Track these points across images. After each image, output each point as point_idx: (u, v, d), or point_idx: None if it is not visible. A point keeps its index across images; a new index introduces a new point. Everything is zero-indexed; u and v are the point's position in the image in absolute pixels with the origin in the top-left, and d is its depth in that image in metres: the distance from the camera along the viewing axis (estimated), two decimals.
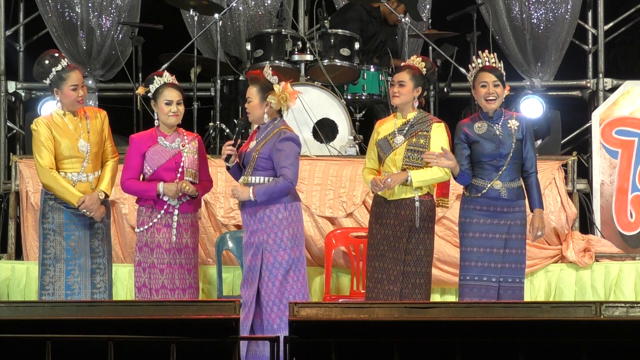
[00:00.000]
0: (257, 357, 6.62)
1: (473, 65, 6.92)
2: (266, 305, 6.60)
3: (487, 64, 6.89)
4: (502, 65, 6.92)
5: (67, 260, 6.77)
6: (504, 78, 6.89)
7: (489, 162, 6.83)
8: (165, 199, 6.82)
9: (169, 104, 6.86)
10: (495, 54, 6.95)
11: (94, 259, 6.82)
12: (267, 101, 6.70)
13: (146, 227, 6.85)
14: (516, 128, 6.85)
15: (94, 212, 6.76)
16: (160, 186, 6.79)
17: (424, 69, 6.93)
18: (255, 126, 6.91)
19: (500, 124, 6.87)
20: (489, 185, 6.81)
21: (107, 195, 6.82)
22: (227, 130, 9.09)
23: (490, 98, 6.83)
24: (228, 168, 6.84)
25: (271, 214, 6.64)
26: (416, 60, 6.97)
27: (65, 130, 6.78)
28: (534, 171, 6.89)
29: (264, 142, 6.70)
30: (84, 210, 6.73)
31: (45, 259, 6.79)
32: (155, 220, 6.84)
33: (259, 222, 6.66)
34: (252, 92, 6.74)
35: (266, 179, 6.67)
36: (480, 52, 6.93)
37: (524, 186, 6.90)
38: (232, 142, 6.78)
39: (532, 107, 9.43)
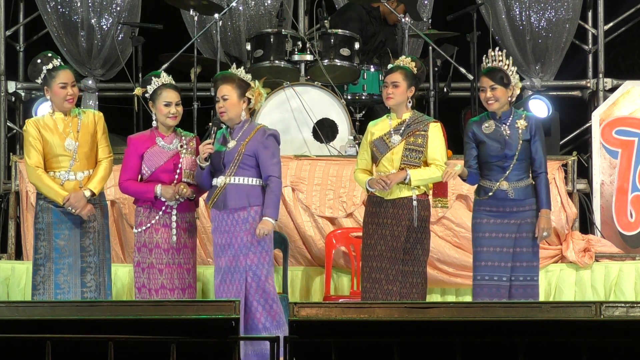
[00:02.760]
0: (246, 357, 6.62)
1: (482, 65, 6.93)
2: (250, 306, 6.59)
3: (490, 64, 6.88)
4: (509, 62, 6.89)
5: (56, 259, 6.78)
6: (510, 76, 6.85)
7: (496, 163, 6.83)
8: (163, 199, 6.82)
9: (168, 106, 6.86)
10: (504, 51, 6.94)
11: (84, 257, 6.82)
12: (245, 97, 6.73)
13: (144, 227, 6.85)
14: (524, 128, 6.83)
15: (79, 209, 6.76)
16: (158, 188, 6.79)
17: (415, 69, 6.95)
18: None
19: (507, 124, 6.86)
20: (496, 186, 6.82)
21: (93, 194, 6.80)
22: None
23: (489, 102, 6.84)
24: (201, 169, 6.80)
25: (256, 215, 6.64)
26: (406, 61, 6.99)
27: (54, 129, 6.81)
28: (542, 171, 6.85)
29: (247, 140, 6.71)
30: (70, 208, 6.75)
31: (37, 259, 6.83)
32: (153, 221, 6.84)
33: (243, 222, 6.65)
34: (228, 90, 6.74)
35: (249, 179, 6.68)
36: (489, 52, 6.92)
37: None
38: (210, 141, 6.78)
39: (537, 108, 9.43)
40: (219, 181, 6.74)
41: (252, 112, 6.93)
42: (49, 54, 6.88)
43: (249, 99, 6.76)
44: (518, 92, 6.94)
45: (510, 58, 6.92)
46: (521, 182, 6.83)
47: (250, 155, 6.68)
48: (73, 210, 6.76)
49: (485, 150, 6.86)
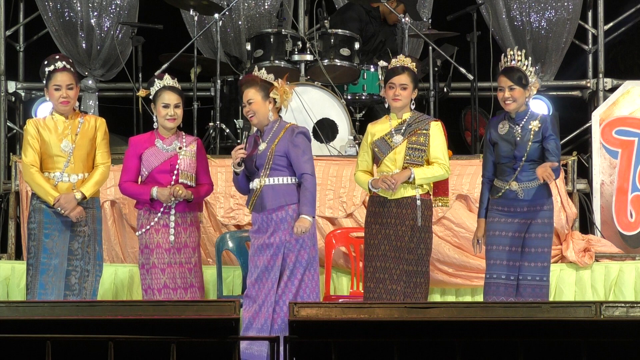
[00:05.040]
0: (253, 357, 6.61)
1: (500, 64, 6.90)
2: (283, 305, 6.60)
3: (509, 64, 6.84)
4: (528, 62, 6.87)
5: (43, 259, 6.79)
6: (529, 77, 6.81)
7: (507, 164, 6.83)
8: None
9: (166, 107, 6.87)
10: (523, 51, 6.91)
11: (71, 260, 6.82)
12: (270, 98, 6.72)
13: (144, 229, 6.86)
14: (536, 129, 6.80)
15: (69, 211, 6.77)
16: (154, 190, 6.80)
17: (415, 69, 6.96)
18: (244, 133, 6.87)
19: (521, 125, 6.84)
20: (506, 186, 6.82)
21: (84, 197, 6.80)
22: (227, 130, 9.09)
23: (506, 102, 6.82)
24: (236, 174, 6.81)
25: (294, 214, 6.65)
26: (406, 60, 6.98)
27: (54, 129, 6.85)
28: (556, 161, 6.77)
29: (277, 140, 6.70)
30: (59, 209, 6.76)
31: (29, 259, 6.86)
32: (152, 223, 6.85)
33: (281, 222, 6.66)
34: (252, 93, 6.73)
35: (284, 179, 6.68)
36: (508, 50, 6.90)
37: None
38: (243, 145, 6.77)
39: (538, 109, 9.42)
40: (254, 184, 6.74)
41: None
42: (57, 56, 6.92)
43: (275, 99, 6.76)
44: (535, 92, 6.91)
45: (530, 58, 6.88)
46: (532, 182, 6.80)
47: (282, 155, 6.68)
48: (62, 212, 6.77)
49: (497, 151, 6.86)
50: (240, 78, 7.03)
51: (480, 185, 7.03)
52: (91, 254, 6.87)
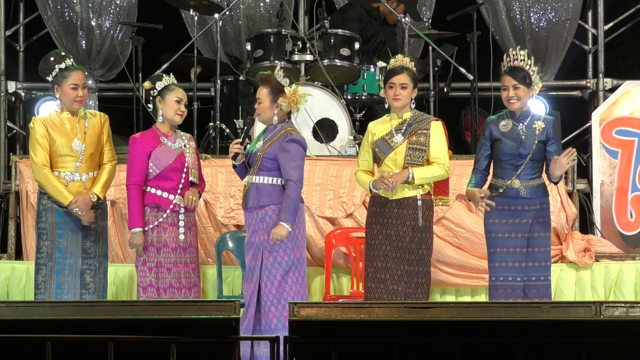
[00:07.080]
0: (254, 357, 6.61)
1: (503, 64, 6.91)
2: (264, 305, 6.62)
3: (512, 64, 6.85)
4: (531, 62, 6.88)
5: (58, 259, 6.78)
6: (532, 76, 6.83)
7: (509, 162, 6.83)
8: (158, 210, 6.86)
9: (179, 102, 6.89)
10: (526, 50, 6.92)
11: (85, 259, 6.83)
12: (277, 103, 6.73)
13: (151, 226, 6.85)
14: (541, 130, 6.82)
15: (85, 213, 6.76)
16: (139, 231, 6.80)
17: (414, 68, 6.97)
18: (256, 128, 6.91)
19: (525, 123, 6.86)
20: (507, 183, 6.82)
21: (99, 198, 6.81)
22: (227, 130, 9.10)
23: (511, 101, 6.83)
24: (234, 166, 6.87)
25: (273, 214, 6.65)
26: (405, 60, 6.98)
27: (62, 129, 6.81)
28: None
29: (270, 143, 6.72)
30: (75, 210, 6.74)
31: (39, 259, 6.83)
32: (160, 220, 6.85)
33: (260, 221, 6.67)
34: (263, 94, 6.76)
35: (270, 179, 6.69)
36: (510, 50, 6.91)
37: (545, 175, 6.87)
38: (239, 140, 6.81)
39: (535, 108, 9.42)
40: (245, 181, 6.79)
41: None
42: (62, 53, 6.88)
43: (281, 105, 6.75)
44: (538, 91, 6.93)
45: (532, 58, 6.90)
46: (533, 181, 6.82)
47: (271, 159, 6.70)
48: (80, 213, 6.74)
49: (499, 148, 6.86)
50: (261, 72, 6.96)
51: None
52: (99, 251, 6.88)
